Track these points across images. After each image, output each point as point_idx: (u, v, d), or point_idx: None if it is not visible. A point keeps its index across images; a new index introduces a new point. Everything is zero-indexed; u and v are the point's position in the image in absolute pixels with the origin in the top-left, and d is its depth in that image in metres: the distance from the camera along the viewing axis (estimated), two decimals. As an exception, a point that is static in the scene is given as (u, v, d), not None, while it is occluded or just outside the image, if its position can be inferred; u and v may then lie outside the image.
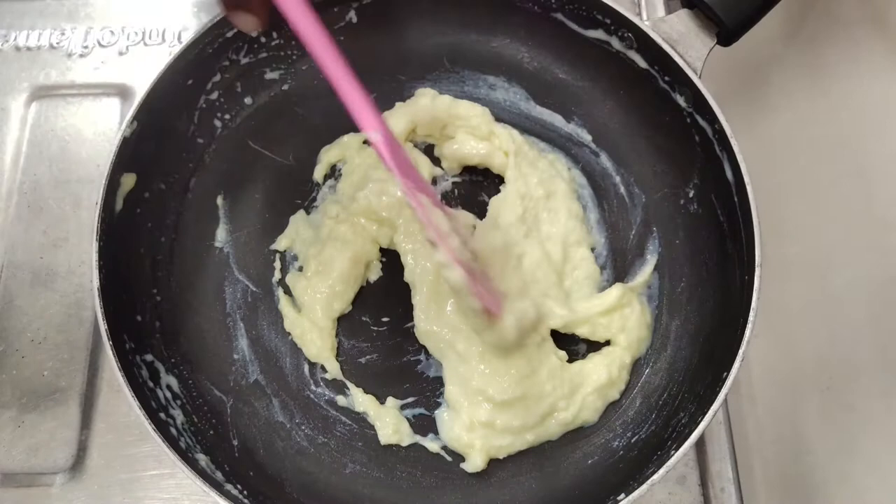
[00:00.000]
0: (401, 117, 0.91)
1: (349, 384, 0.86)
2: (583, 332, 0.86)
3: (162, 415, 0.78)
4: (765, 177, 0.85)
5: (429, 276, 0.85)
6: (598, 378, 0.83)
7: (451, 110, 0.92)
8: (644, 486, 0.71)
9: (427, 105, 0.91)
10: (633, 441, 0.82)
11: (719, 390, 0.73)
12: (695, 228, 0.88)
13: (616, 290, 0.86)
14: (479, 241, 0.83)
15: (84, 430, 0.89)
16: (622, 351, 0.85)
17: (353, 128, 0.94)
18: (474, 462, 0.82)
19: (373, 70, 0.95)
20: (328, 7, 0.92)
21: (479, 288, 0.75)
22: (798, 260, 0.99)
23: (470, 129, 0.91)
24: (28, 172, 1.00)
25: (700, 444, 0.90)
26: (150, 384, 0.79)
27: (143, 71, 0.84)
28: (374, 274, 0.91)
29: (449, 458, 0.84)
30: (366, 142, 0.93)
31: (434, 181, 0.93)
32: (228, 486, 0.76)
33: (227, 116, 0.92)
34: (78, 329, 0.93)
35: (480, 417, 0.81)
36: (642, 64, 0.88)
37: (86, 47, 1.08)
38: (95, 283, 0.76)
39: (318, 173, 0.93)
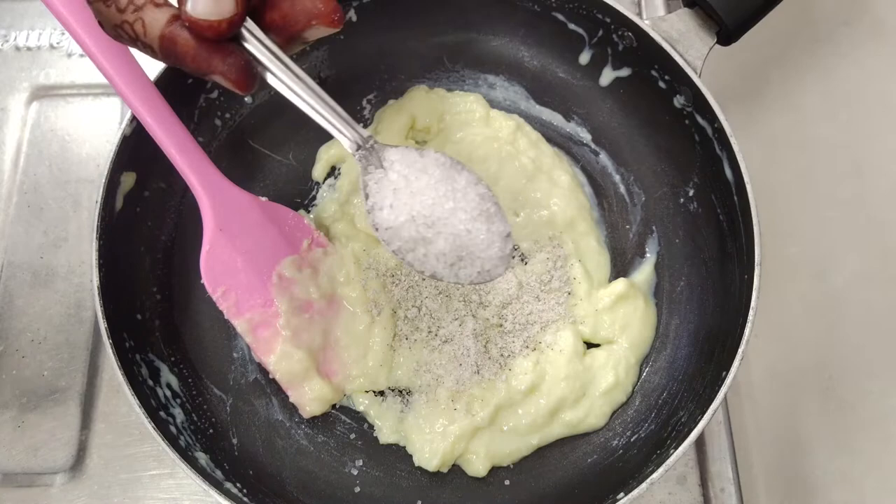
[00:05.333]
0: (396, 113, 0.91)
1: (349, 383, 0.86)
2: (584, 331, 0.85)
3: (162, 413, 0.78)
4: (765, 176, 0.85)
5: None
6: (606, 381, 0.83)
7: (446, 99, 0.93)
8: (643, 485, 0.71)
9: (421, 97, 0.92)
10: (632, 440, 0.82)
11: (719, 389, 0.74)
12: (694, 227, 0.88)
13: (621, 284, 0.86)
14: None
15: (84, 430, 0.89)
16: (626, 351, 0.85)
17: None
18: (475, 468, 0.82)
19: (373, 69, 0.96)
20: (328, 6, 0.92)
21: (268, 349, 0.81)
22: (798, 260, 0.99)
23: (467, 113, 0.92)
24: (28, 172, 1.01)
25: (700, 444, 0.90)
26: (150, 383, 0.79)
27: (144, 70, 0.85)
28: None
29: (449, 458, 0.84)
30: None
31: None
32: (228, 485, 0.76)
33: (227, 115, 0.92)
34: (78, 329, 0.93)
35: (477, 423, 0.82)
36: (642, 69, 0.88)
37: (86, 47, 1.08)
38: (95, 281, 0.76)
39: (318, 172, 0.93)
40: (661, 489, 0.88)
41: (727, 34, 0.83)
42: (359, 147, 0.66)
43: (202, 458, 0.78)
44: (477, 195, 0.67)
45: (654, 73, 0.87)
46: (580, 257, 0.87)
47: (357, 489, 0.82)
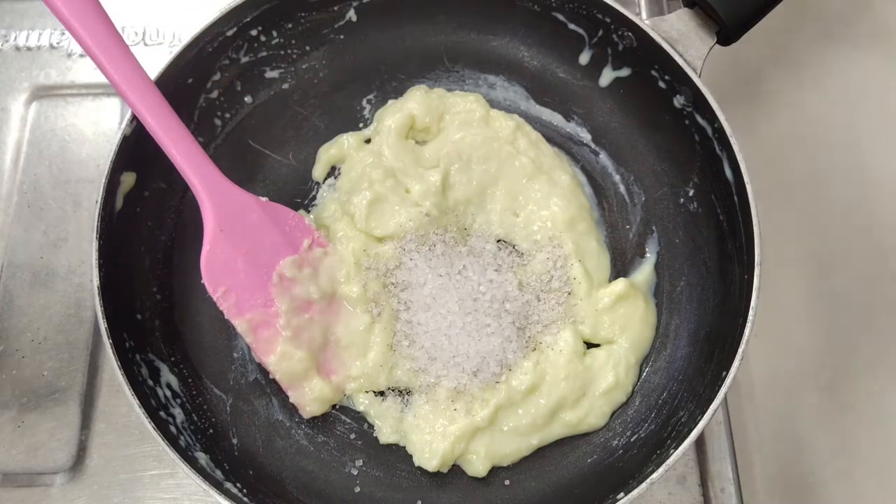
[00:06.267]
0: (395, 112, 0.91)
1: (349, 383, 0.86)
2: (584, 331, 0.85)
3: (162, 413, 0.78)
4: (764, 176, 0.85)
5: None
6: (606, 381, 0.83)
7: (446, 99, 0.92)
8: (643, 485, 0.71)
9: (421, 97, 0.91)
10: (632, 440, 0.82)
11: (719, 389, 0.74)
12: (694, 227, 0.88)
13: (621, 284, 0.85)
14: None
15: (84, 430, 0.89)
16: (626, 351, 0.84)
17: (352, 127, 0.94)
18: (475, 468, 0.82)
19: (372, 69, 0.96)
20: (328, 6, 0.92)
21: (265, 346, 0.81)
22: (798, 260, 0.99)
23: (467, 113, 0.91)
24: (28, 172, 1.00)
25: (700, 444, 0.90)
26: (150, 383, 0.79)
27: (144, 71, 0.86)
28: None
29: (449, 458, 0.84)
30: (367, 141, 0.93)
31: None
32: (228, 485, 0.76)
33: (227, 115, 0.92)
34: (78, 329, 0.93)
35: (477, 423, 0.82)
36: (641, 67, 0.88)
37: (86, 47, 1.08)
38: (95, 281, 0.76)
39: (318, 172, 0.93)
40: (662, 489, 0.88)
41: (727, 34, 0.83)
42: None
43: (202, 458, 0.78)
44: None
45: (654, 73, 0.87)
46: (580, 257, 0.87)
47: (357, 489, 0.82)
